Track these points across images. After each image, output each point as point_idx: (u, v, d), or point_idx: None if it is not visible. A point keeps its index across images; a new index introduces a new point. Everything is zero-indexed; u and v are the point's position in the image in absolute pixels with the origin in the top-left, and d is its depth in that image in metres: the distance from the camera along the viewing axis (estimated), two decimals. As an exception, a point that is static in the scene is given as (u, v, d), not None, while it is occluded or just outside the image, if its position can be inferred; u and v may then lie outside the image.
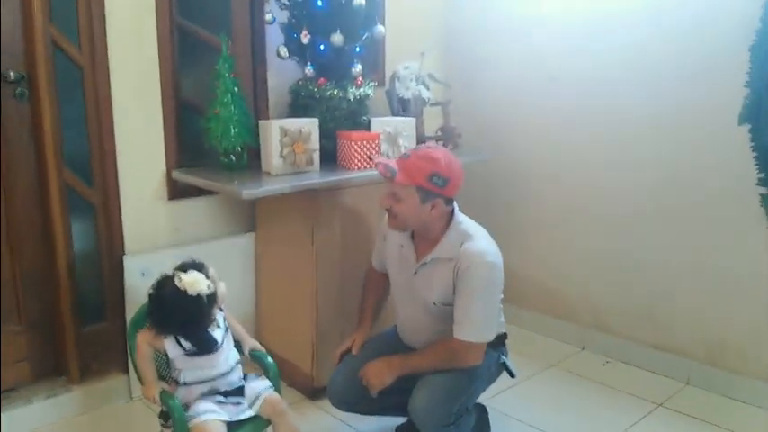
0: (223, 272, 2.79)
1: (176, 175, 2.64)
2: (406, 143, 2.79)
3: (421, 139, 2.99)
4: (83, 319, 2.60)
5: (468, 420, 2.17)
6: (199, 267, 1.96)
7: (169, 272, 1.97)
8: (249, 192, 2.29)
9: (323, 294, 2.63)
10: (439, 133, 3.10)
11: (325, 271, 2.61)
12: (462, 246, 2.07)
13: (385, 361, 2.13)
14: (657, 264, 2.94)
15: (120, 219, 2.59)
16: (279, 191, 2.38)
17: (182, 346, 1.94)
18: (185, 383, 1.99)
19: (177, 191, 2.70)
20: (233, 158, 2.61)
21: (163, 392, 1.95)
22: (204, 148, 2.64)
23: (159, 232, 2.70)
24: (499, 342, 2.25)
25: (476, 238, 2.09)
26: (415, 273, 2.16)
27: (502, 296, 2.21)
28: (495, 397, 2.61)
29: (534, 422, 2.58)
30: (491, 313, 2.09)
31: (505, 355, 2.29)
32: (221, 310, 2.09)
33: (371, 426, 2.50)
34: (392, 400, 2.16)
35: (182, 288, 1.89)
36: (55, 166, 2.41)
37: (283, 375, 2.82)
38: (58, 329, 2.57)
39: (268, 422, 2.05)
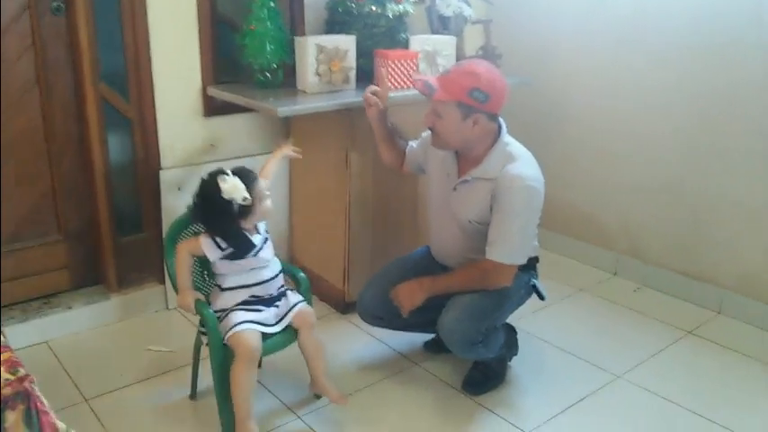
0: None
1: (212, 91, 2.62)
2: (446, 62, 2.72)
3: (461, 59, 2.92)
4: (121, 231, 2.67)
5: (497, 339, 2.21)
6: (249, 178, 1.97)
7: (226, 170, 1.98)
8: (284, 109, 2.28)
9: (355, 213, 2.64)
10: (480, 53, 3.02)
11: (358, 190, 2.61)
12: (505, 167, 2.05)
13: (416, 282, 2.15)
14: (696, 192, 2.88)
15: (157, 133, 2.61)
16: (314, 109, 2.36)
17: (219, 246, 1.97)
18: (228, 288, 2.04)
19: (213, 107, 2.69)
20: (268, 76, 2.58)
21: (198, 301, 2.00)
22: (241, 65, 2.61)
23: (195, 148, 2.72)
24: (530, 265, 2.25)
25: (519, 161, 2.06)
26: (455, 189, 2.16)
27: (539, 221, 2.19)
28: (524, 318, 2.63)
29: (561, 344, 2.61)
30: (525, 237, 2.09)
31: (536, 278, 2.30)
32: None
33: (400, 340, 2.56)
34: (422, 318, 2.19)
35: (220, 188, 1.92)
36: (91, 79, 2.41)
37: (315, 290, 2.91)
38: (96, 240, 2.64)
39: (294, 335, 2.11)
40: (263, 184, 2.02)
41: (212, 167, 2.65)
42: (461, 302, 2.10)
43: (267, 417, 2.17)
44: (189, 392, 2.24)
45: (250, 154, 2.86)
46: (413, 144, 2.39)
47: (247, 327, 1.97)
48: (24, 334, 2.47)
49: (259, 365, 2.38)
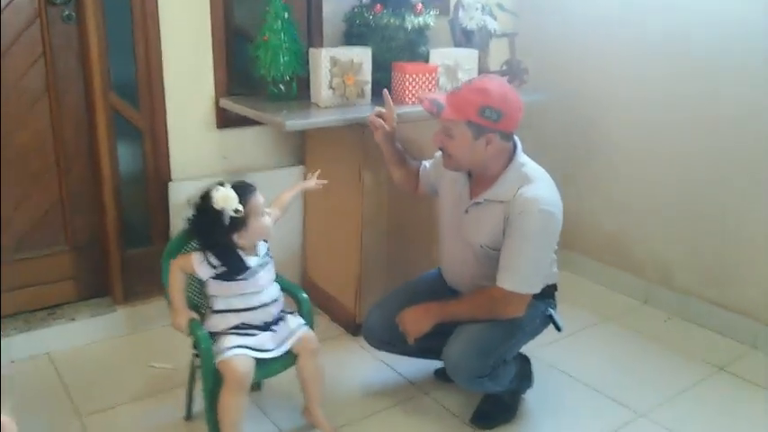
0: (270, 203, 2.81)
1: (224, 102, 2.57)
2: (467, 77, 2.62)
3: (484, 74, 2.81)
4: (128, 243, 2.62)
5: (507, 372, 2.07)
6: (245, 190, 1.89)
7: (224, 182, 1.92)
8: (293, 123, 2.20)
9: (368, 232, 2.54)
10: (504, 68, 2.91)
11: (371, 209, 2.52)
12: (519, 189, 1.92)
13: (422, 307, 2.04)
14: (731, 220, 2.70)
15: (167, 145, 2.56)
16: (324, 123, 2.28)
17: (210, 264, 1.90)
18: (218, 311, 1.96)
19: (226, 119, 2.63)
20: (282, 88, 2.51)
21: (192, 321, 1.92)
22: (254, 77, 2.54)
23: (207, 160, 2.66)
24: (548, 293, 2.12)
25: (535, 183, 1.94)
26: (466, 212, 2.04)
27: (556, 247, 2.07)
28: (543, 347, 2.48)
29: (582, 376, 2.45)
30: (539, 264, 1.96)
31: (553, 308, 2.16)
32: (266, 241, 2.04)
33: (410, 367, 2.44)
34: (429, 345, 2.07)
35: (211, 197, 1.85)
36: (101, 88, 2.37)
37: (327, 310, 2.85)
38: (103, 251, 2.60)
39: (293, 360, 2.01)
40: (260, 199, 1.93)
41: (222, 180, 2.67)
42: (468, 333, 1.98)
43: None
44: (184, 414, 2.17)
45: (263, 168, 2.79)
46: (426, 164, 2.29)
47: (238, 352, 1.88)
48: (26, 345, 2.43)
49: (259, 387, 2.32)
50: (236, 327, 1.94)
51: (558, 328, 2.15)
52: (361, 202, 2.49)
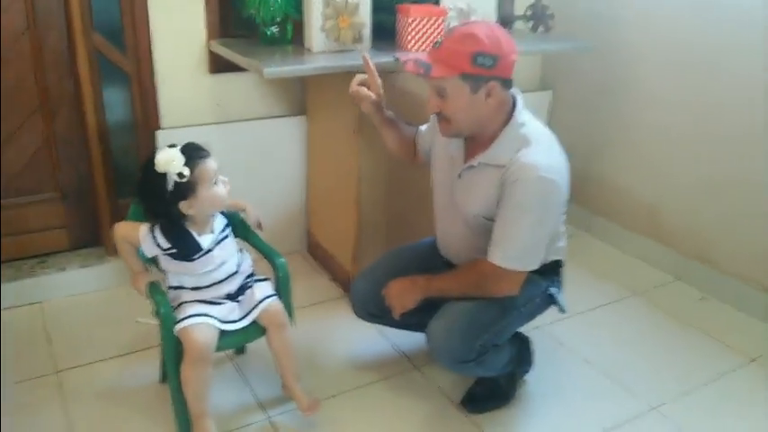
0: (270, 155, 2.65)
1: (213, 45, 2.37)
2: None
3: (506, 20, 2.51)
4: (120, 192, 2.51)
5: (497, 357, 1.87)
6: (194, 153, 1.70)
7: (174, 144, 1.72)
8: (272, 70, 1.98)
9: (366, 190, 2.35)
10: (528, 13, 2.59)
11: (369, 165, 2.31)
12: (517, 153, 1.68)
13: (409, 281, 1.85)
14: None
15: (155, 91, 2.39)
16: (308, 71, 2.07)
17: (158, 244, 1.74)
18: (171, 287, 1.83)
19: (219, 63, 2.43)
20: (274, 31, 2.29)
21: (152, 285, 1.80)
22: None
23: (198, 107, 2.49)
24: (552, 270, 1.90)
25: (535, 146, 1.69)
26: (459, 176, 1.82)
27: (563, 217, 1.84)
28: (554, 323, 2.28)
29: (593, 359, 2.23)
30: (536, 238, 1.72)
31: (558, 286, 1.93)
32: (225, 215, 1.87)
33: (405, 338, 2.27)
34: (418, 319, 1.89)
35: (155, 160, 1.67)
36: (82, 28, 2.22)
37: (328, 269, 2.70)
38: (93, 200, 2.50)
39: (264, 331, 1.87)
40: (213, 165, 1.73)
41: (217, 129, 2.51)
42: (455, 311, 1.78)
43: (235, 412, 1.97)
44: (159, 377, 2.07)
45: (260, 116, 2.61)
46: (422, 128, 2.06)
47: (199, 321, 1.74)
48: (15, 293, 2.38)
49: (242, 351, 2.20)
50: (195, 300, 1.80)
51: (562, 310, 1.93)
52: (358, 157, 2.28)
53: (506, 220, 1.70)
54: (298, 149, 2.70)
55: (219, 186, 1.75)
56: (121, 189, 2.51)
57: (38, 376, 2.08)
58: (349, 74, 2.08)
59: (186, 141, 1.74)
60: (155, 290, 1.78)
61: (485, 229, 1.77)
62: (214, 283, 1.80)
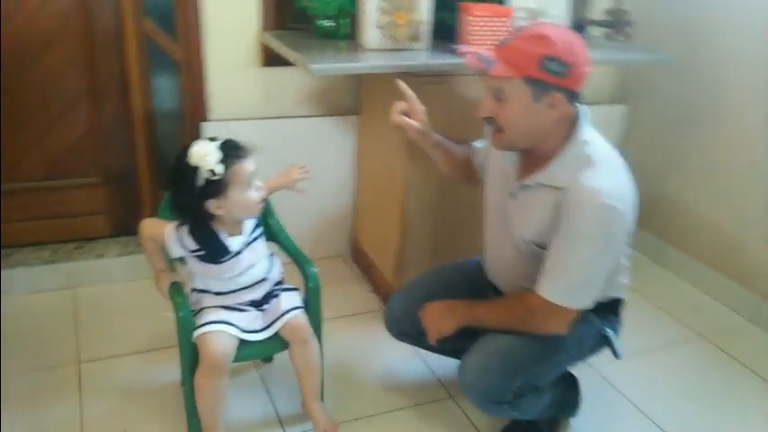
0: (320, 155, 2.54)
1: (264, 36, 2.27)
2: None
3: (579, 25, 2.32)
4: (161, 181, 2.44)
5: (536, 401, 1.67)
6: (233, 151, 1.58)
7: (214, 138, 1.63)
8: (318, 67, 1.85)
9: (414, 198, 2.20)
10: (606, 18, 2.39)
11: (418, 173, 2.16)
12: (578, 174, 1.49)
13: (448, 305, 1.69)
14: None
15: (203, 81, 2.31)
16: (352, 70, 1.94)
17: (184, 245, 1.63)
18: (195, 290, 1.73)
19: (273, 56, 2.30)
20: (328, 25, 2.18)
21: (173, 285, 1.70)
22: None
23: (248, 101, 2.40)
24: (610, 308, 1.71)
25: (599, 168, 1.49)
26: (512, 196, 1.65)
27: (628, 251, 1.65)
28: (608, 362, 2.08)
29: (646, 405, 2.01)
30: (593, 273, 1.53)
31: (615, 328, 1.73)
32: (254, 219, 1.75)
33: (444, 362, 2.07)
34: (454, 346, 1.74)
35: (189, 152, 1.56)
36: (133, 12, 2.16)
37: (369, 279, 2.57)
38: (136, 187, 2.45)
39: (287, 344, 1.75)
40: (250, 167, 1.60)
41: (265, 124, 2.41)
42: (492, 345, 1.61)
43: (252, 424, 1.86)
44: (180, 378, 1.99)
45: (313, 114, 2.50)
46: (477, 144, 1.89)
47: (218, 328, 1.64)
48: (50, 277, 2.36)
49: (270, 359, 2.10)
50: (218, 306, 1.70)
51: (617, 355, 1.72)
52: (407, 164, 2.13)
53: (560, 249, 1.52)
54: (348, 150, 2.58)
55: (253, 192, 1.63)
56: (164, 179, 2.44)
57: (59, 365, 2.03)
58: (404, 75, 1.95)
59: (227, 137, 1.63)
60: (176, 291, 1.69)
61: (536, 256, 1.59)
62: (239, 289, 1.70)
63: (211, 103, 2.35)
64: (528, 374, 1.59)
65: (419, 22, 2.05)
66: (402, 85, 1.79)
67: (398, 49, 2.07)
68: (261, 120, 2.41)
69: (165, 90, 2.37)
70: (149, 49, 2.29)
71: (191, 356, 1.65)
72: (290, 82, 2.43)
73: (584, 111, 1.56)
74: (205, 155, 1.53)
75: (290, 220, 2.57)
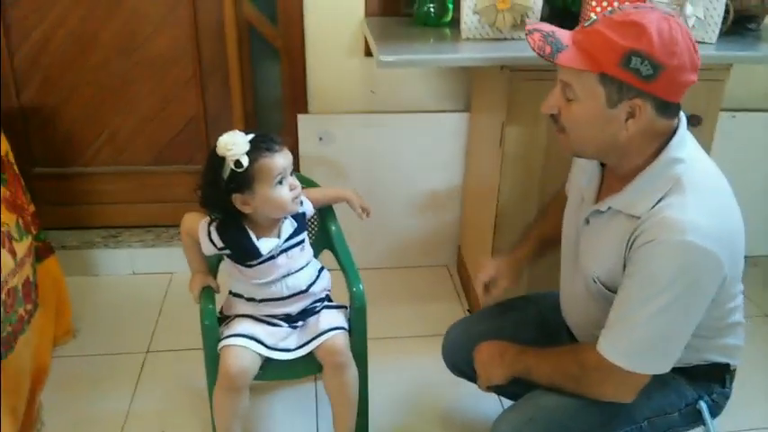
0: (427, 154, 2.30)
1: (368, 22, 2.06)
2: (701, 14, 1.71)
3: (739, 10, 1.83)
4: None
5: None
6: (264, 144, 1.43)
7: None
8: (389, 57, 1.62)
9: (508, 214, 1.90)
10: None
11: (514, 184, 1.85)
12: (661, 201, 1.14)
13: (500, 348, 1.41)
14: None
15: (305, 70, 2.18)
16: (427, 62, 1.69)
17: (212, 240, 1.50)
18: (231, 293, 1.60)
19: (378, 45, 2.15)
20: (430, 10, 1.93)
21: (205, 290, 1.58)
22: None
23: (350, 93, 2.23)
24: (711, 375, 1.32)
25: (690, 195, 1.13)
26: (587, 221, 1.31)
27: (739, 302, 1.27)
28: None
29: None
30: (668, 331, 1.15)
31: (715, 401, 1.33)
32: (298, 221, 1.57)
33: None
34: (514, 389, 1.42)
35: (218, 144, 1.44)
36: (233, -1, 2.09)
37: (468, 297, 2.30)
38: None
39: (320, 367, 1.56)
40: (282, 162, 1.44)
41: (368, 119, 2.23)
42: (535, 406, 1.29)
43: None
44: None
45: (419, 109, 2.26)
46: (569, 174, 1.54)
47: (240, 342, 1.49)
48: (149, 260, 2.40)
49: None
50: (249, 315, 1.56)
51: (711, 436, 1.31)
52: (500, 176, 1.83)
53: (627, 297, 1.17)
54: (457, 150, 2.31)
55: (284, 188, 1.46)
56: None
57: (128, 352, 2.03)
58: (499, 68, 1.66)
59: (263, 131, 1.49)
60: (207, 297, 1.57)
61: (608, 301, 1.24)
62: (271, 299, 1.54)
63: (311, 94, 2.21)
64: (579, 449, 1.25)
65: (525, 7, 1.73)
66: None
67: (499, 39, 1.77)
68: (363, 114, 2.24)
69: (270, 80, 2.28)
70: (253, 36, 2.21)
71: (214, 367, 1.53)
72: (397, 74, 2.21)
73: (682, 122, 1.18)
74: (230, 145, 1.40)
75: (395, 223, 2.40)
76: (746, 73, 2.25)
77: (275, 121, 2.33)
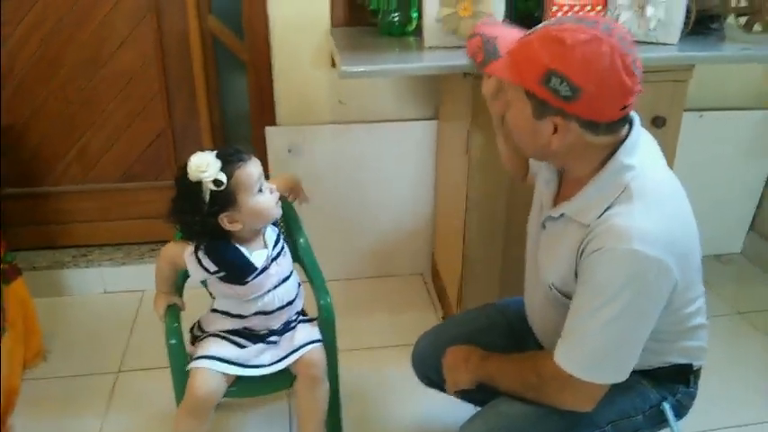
0: (398, 164, 2.30)
1: (331, 33, 2.05)
2: (662, 15, 1.72)
3: (701, 10, 1.83)
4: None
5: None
6: (232, 158, 1.42)
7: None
8: (348, 68, 1.62)
9: (475, 220, 1.90)
10: (741, 4, 1.87)
11: (481, 189, 1.85)
12: (609, 210, 1.14)
13: (465, 353, 1.40)
14: None
15: (271, 82, 2.16)
16: (386, 72, 1.70)
17: (204, 267, 1.48)
18: (215, 310, 1.57)
19: (344, 56, 2.14)
20: (394, 20, 1.92)
21: (170, 309, 1.56)
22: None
23: (318, 104, 2.21)
24: (675, 376, 1.32)
25: (638, 202, 1.12)
26: (543, 226, 1.32)
27: (701, 305, 1.26)
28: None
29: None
30: (621, 340, 1.15)
31: (680, 402, 1.33)
32: (276, 226, 1.58)
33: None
34: (482, 397, 1.40)
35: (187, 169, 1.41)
36: (196, 10, 2.08)
37: (442, 305, 2.30)
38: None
39: (292, 382, 1.55)
40: (255, 171, 1.44)
41: (337, 130, 2.22)
42: (496, 415, 1.29)
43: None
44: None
45: (388, 118, 2.26)
46: None
47: (206, 365, 1.47)
48: (120, 278, 2.37)
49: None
50: (235, 332, 1.54)
51: (675, 439, 1.31)
52: (467, 181, 1.83)
53: (578, 306, 1.16)
54: (428, 159, 2.30)
55: (265, 194, 1.46)
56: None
57: (100, 372, 2.01)
58: (462, 76, 1.67)
59: (224, 146, 1.49)
60: (171, 315, 1.55)
61: (563, 306, 1.23)
62: (259, 313, 1.52)
63: (279, 107, 2.20)
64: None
65: (487, 14, 1.73)
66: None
67: (462, 47, 1.75)
68: (332, 125, 2.23)
69: (237, 93, 2.27)
70: (219, 49, 2.20)
71: (181, 386, 1.50)
72: (365, 84, 2.20)
73: (635, 125, 1.18)
74: (203, 166, 1.38)
75: (368, 233, 2.39)
76: (714, 72, 2.28)
77: (243, 135, 2.31)
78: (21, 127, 2.25)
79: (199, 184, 1.40)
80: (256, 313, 1.52)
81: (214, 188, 1.39)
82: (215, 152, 1.43)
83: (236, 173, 1.41)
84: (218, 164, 1.40)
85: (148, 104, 2.27)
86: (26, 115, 2.23)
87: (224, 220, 1.43)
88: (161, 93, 2.25)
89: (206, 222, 1.43)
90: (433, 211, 2.39)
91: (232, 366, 1.49)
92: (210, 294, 1.63)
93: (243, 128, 2.31)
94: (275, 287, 1.52)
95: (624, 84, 1.07)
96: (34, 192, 2.35)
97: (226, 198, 1.41)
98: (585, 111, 1.09)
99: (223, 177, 1.39)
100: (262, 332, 1.54)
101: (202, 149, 2.26)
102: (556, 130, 1.12)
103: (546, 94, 1.09)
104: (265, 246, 1.52)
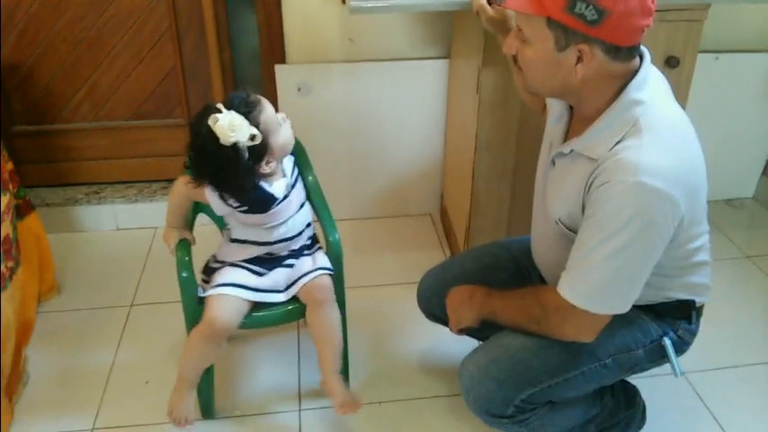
0: (409, 104, 2.29)
1: (342, -33, 2.02)
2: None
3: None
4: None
5: (554, 418, 1.36)
6: (248, 106, 1.43)
7: (215, 105, 1.45)
8: (357, 3, 1.59)
9: (485, 161, 1.89)
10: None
11: (491, 131, 1.84)
12: (618, 144, 1.14)
13: (469, 291, 1.43)
14: None
15: (281, 19, 2.13)
16: (392, 8, 1.64)
17: (227, 203, 1.51)
18: (237, 240, 1.60)
19: (355, -9, 2.10)
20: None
21: (180, 243, 1.59)
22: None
23: (328, 41, 2.19)
24: (677, 311, 1.34)
25: (647, 136, 1.12)
26: (553, 163, 1.32)
27: (705, 242, 1.28)
28: (702, 371, 1.67)
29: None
30: (624, 272, 1.16)
31: (682, 338, 1.35)
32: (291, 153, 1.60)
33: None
34: (479, 333, 1.50)
35: (215, 134, 1.40)
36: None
37: (449, 242, 2.32)
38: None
39: (302, 313, 1.58)
40: (270, 109, 1.46)
41: (346, 67, 2.20)
42: (499, 347, 1.32)
43: (268, 395, 1.75)
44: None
45: (399, 57, 2.23)
46: None
47: (228, 291, 1.52)
48: (132, 215, 2.40)
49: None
50: (256, 259, 1.58)
51: (674, 371, 1.33)
52: (477, 121, 1.82)
53: (584, 238, 1.18)
54: (439, 98, 2.28)
55: (285, 125, 1.50)
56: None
57: (112, 306, 2.05)
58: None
59: (229, 96, 1.47)
60: (183, 249, 1.58)
61: (569, 241, 1.25)
62: (283, 240, 1.57)
63: (289, 44, 2.18)
64: (538, 387, 1.29)
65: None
66: None
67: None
68: (342, 63, 2.21)
69: (247, 31, 2.25)
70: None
71: (193, 319, 1.55)
72: (375, 21, 2.17)
73: (645, 61, 1.17)
74: (233, 128, 1.38)
75: (377, 173, 2.40)
76: (730, 13, 2.23)
77: (253, 73, 2.30)
78: (30, 66, 2.25)
79: (234, 146, 1.39)
80: (278, 241, 1.56)
81: (251, 143, 1.40)
82: (226, 108, 1.41)
83: (261, 119, 1.43)
84: (243, 119, 1.40)
85: (158, 42, 2.25)
86: (36, 54, 2.22)
87: (264, 168, 1.46)
88: (170, 30, 2.23)
89: (251, 179, 1.46)
90: (443, 151, 2.38)
91: (250, 292, 1.53)
92: (222, 228, 1.66)
93: (252, 66, 2.29)
94: (296, 212, 1.56)
95: (646, 4, 1.08)
96: (46, 129, 2.36)
97: (262, 147, 1.43)
98: (611, 34, 1.09)
99: (255, 131, 1.40)
100: (283, 254, 1.59)
101: (212, 87, 2.28)
102: (579, 59, 1.12)
103: (571, 20, 1.08)
104: (284, 174, 1.56)
